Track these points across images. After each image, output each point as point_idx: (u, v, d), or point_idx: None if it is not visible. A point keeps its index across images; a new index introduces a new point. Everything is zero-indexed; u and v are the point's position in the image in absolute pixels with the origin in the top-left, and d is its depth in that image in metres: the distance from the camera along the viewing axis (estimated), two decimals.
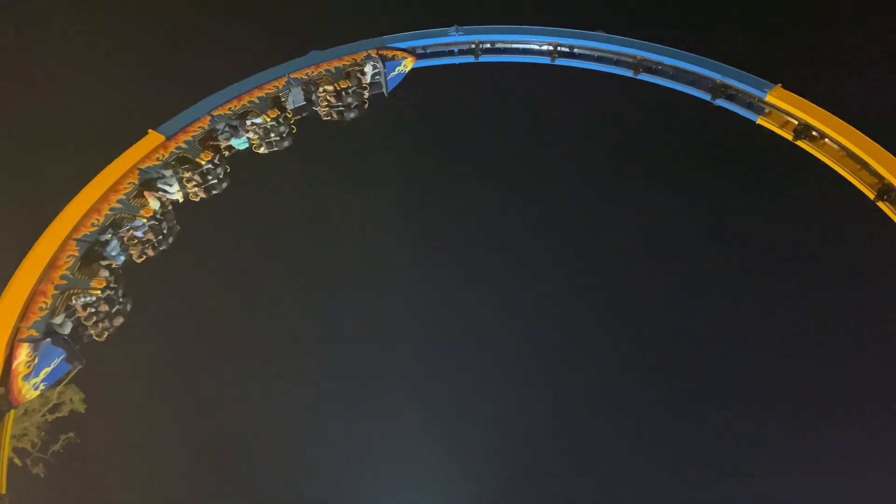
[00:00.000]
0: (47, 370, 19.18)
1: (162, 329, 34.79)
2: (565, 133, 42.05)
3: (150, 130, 23.50)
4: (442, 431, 40.16)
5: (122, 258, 21.94)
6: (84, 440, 31.17)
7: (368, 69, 26.37)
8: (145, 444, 34.69)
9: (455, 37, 27.37)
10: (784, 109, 25.61)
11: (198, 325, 37.06)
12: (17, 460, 28.46)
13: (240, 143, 25.34)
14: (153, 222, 21.92)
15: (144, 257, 22.39)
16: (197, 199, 24.08)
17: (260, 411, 37.59)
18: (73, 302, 19.74)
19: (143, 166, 22.80)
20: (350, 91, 25.80)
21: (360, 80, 26.11)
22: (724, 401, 40.27)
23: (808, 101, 25.24)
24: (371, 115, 26.88)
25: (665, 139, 41.00)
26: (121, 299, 20.72)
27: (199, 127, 24.09)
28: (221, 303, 38.53)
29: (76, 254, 20.39)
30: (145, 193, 22.40)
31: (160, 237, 22.28)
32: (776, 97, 25.65)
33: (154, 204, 22.22)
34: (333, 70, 25.97)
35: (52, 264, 19.95)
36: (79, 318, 19.90)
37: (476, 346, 41.80)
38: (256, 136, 25.10)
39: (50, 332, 19.13)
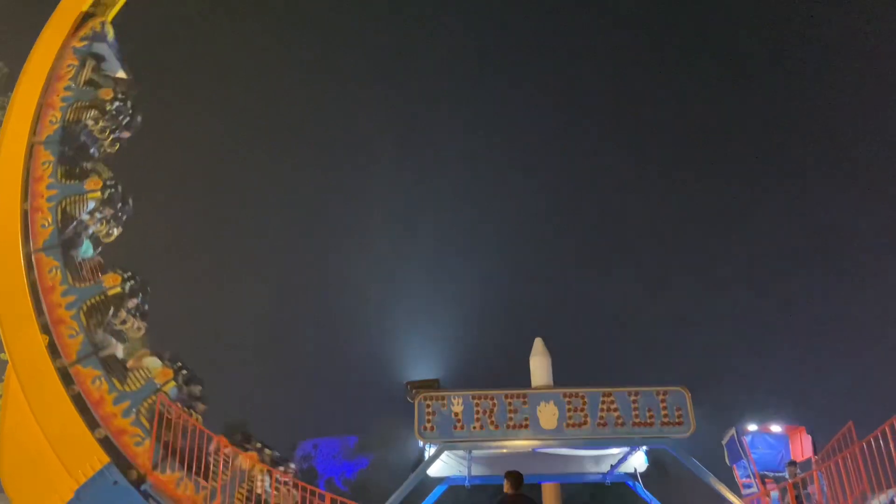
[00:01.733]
0: None
1: None
2: None
3: None
4: None
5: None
6: None
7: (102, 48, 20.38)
8: None
9: None
10: None
11: None
12: None
13: (86, 250, 19.33)
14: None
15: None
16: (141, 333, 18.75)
17: None
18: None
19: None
20: (119, 96, 20.00)
21: (110, 79, 20.34)
22: None
23: None
24: None
25: None
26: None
27: (51, 269, 17.74)
28: None
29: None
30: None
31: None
32: None
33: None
34: (72, 86, 19.50)
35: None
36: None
37: None
38: (103, 224, 19.25)
39: None
